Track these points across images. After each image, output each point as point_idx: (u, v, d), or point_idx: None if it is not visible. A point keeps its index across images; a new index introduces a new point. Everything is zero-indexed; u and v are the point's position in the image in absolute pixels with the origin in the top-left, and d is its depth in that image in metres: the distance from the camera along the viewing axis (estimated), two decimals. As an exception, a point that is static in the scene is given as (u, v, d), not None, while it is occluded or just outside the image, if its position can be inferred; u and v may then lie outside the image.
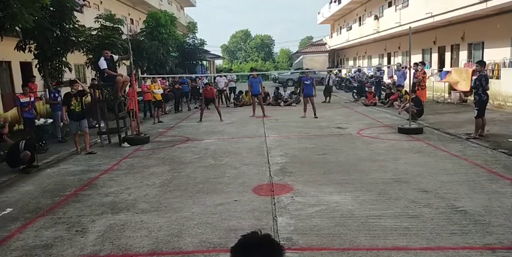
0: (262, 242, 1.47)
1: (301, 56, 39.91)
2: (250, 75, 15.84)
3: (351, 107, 16.28)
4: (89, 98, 13.57)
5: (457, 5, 14.68)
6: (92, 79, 14.85)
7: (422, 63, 14.39)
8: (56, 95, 11.01)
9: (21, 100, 9.26)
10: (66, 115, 9.47)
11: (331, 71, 22.30)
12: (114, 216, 4.93)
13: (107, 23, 14.14)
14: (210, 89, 14.39)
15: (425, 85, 13.24)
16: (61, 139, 10.43)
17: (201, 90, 18.19)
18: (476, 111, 8.39)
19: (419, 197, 5.06)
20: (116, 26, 14.26)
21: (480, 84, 8.28)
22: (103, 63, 9.42)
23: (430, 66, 19.91)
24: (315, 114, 13.09)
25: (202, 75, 21.96)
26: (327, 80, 19.57)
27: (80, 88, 9.19)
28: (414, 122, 10.50)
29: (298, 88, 19.62)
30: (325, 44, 44.69)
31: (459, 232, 4.01)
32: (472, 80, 14.70)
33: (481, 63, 8.72)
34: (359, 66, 26.49)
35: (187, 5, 42.22)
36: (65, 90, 10.85)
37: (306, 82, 13.53)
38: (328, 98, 18.73)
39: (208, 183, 6.16)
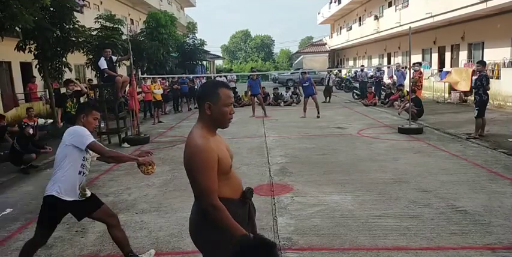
0: (259, 243, 1.46)
1: (301, 56, 39.90)
2: (249, 75, 15.83)
3: (351, 107, 16.28)
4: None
5: (457, 5, 14.69)
6: (89, 80, 14.82)
7: (419, 63, 14.40)
8: None
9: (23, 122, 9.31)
10: (60, 118, 8.99)
11: (331, 71, 22.30)
12: (114, 216, 4.92)
13: (107, 24, 14.15)
14: None
15: (421, 85, 13.24)
16: None
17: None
18: (476, 111, 8.39)
19: (419, 197, 5.06)
20: (116, 26, 14.27)
21: (481, 85, 8.27)
22: (103, 63, 9.42)
23: (430, 66, 19.92)
24: (318, 113, 13.03)
25: (200, 75, 21.77)
26: (326, 80, 19.56)
27: (77, 88, 8.98)
28: (414, 122, 10.50)
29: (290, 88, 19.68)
30: (325, 44, 44.74)
31: (459, 232, 4.01)
32: (472, 80, 14.74)
33: (482, 63, 8.72)
34: (362, 65, 26.45)
35: (187, 5, 42.29)
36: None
37: (304, 85, 13.47)
38: (328, 98, 18.73)
39: (208, 183, 6.14)
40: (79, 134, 3.29)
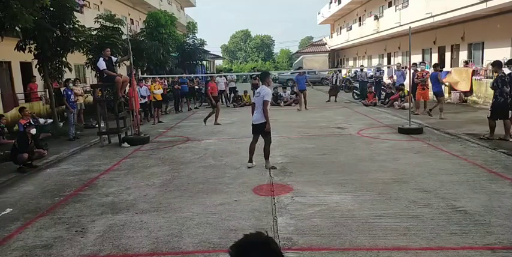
0: (262, 243, 1.46)
1: (301, 56, 39.89)
2: (252, 76, 15.89)
3: (351, 107, 16.28)
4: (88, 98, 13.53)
5: (457, 5, 14.68)
6: (75, 80, 14.24)
7: (424, 63, 14.39)
8: (70, 93, 11.06)
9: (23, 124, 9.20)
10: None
11: (339, 70, 22.44)
12: (114, 216, 4.93)
13: (107, 23, 14.14)
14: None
15: (427, 85, 13.20)
16: (72, 138, 10.39)
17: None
18: (489, 112, 8.20)
19: (419, 197, 5.06)
20: (116, 26, 14.26)
21: (497, 86, 7.88)
22: (102, 64, 9.42)
23: (430, 66, 19.91)
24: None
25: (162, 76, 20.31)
26: (334, 79, 19.74)
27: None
28: (414, 122, 10.50)
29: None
30: (325, 44, 44.74)
31: (459, 232, 4.01)
32: (472, 80, 14.74)
33: (496, 64, 8.19)
34: (361, 65, 26.45)
35: (187, 5, 42.24)
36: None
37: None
38: (334, 97, 18.79)
39: (208, 183, 6.16)
40: (269, 93, 6.50)
